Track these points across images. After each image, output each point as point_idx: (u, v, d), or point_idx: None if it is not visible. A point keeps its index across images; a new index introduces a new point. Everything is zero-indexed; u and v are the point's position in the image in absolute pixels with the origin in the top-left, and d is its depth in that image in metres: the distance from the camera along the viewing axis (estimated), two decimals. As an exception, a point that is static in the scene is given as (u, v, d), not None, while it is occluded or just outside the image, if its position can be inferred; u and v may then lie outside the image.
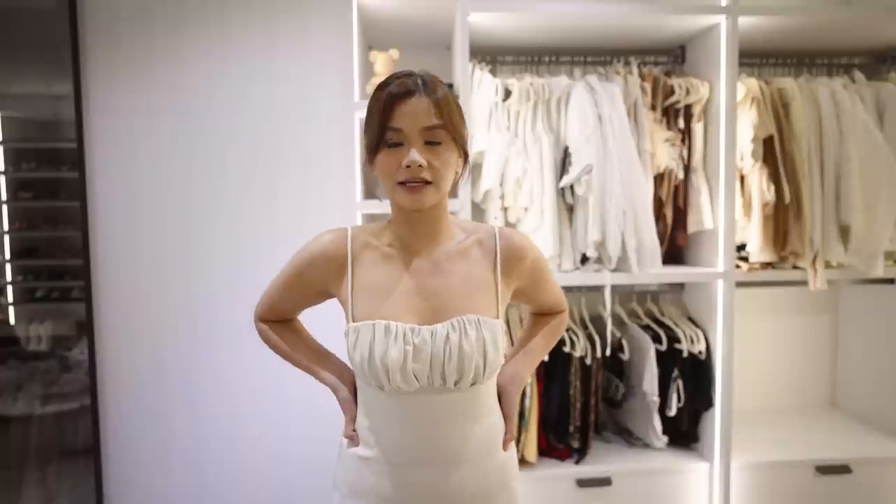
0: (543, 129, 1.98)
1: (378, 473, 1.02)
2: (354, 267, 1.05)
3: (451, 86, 1.97)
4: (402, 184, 0.96)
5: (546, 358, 1.96)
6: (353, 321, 1.02)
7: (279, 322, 1.17)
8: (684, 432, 2.09)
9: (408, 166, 0.94)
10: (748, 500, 2.06)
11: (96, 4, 2.09)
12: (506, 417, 1.11)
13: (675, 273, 2.06)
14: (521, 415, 1.95)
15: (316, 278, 1.08)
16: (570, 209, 2.00)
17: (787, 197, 2.00)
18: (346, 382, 1.12)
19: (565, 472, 1.97)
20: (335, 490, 1.09)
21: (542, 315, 1.23)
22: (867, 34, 2.15)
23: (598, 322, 2.10)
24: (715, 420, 2.01)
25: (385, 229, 1.09)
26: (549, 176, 1.95)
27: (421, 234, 1.05)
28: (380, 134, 0.96)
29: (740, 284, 2.03)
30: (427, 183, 0.96)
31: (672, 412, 2.03)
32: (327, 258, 1.06)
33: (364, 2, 1.87)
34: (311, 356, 1.15)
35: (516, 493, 1.10)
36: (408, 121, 0.95)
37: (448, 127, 0.97)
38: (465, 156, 1.05)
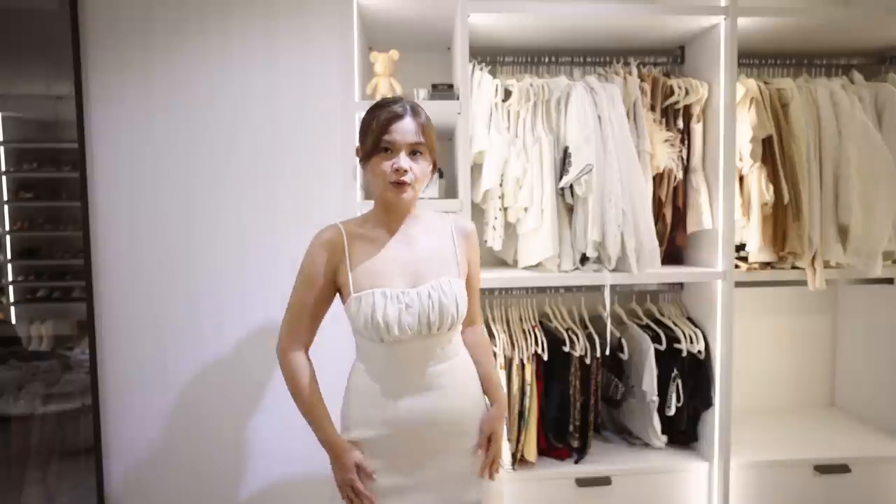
0: (543, 130, 1.98)
1: (380, 405, 1.31)
2: (350, 252, 1.32)
3: (450, 86, 1.97)
4: (392, 183, 1.28)
5: (545, 357, 1.97)
6: (354, 292, 1.28)
7: (302, 354, 1.35)
8: (683, 432, 2.09)
9: (396, 169, 1.26)
10: (747, 500, 2.06)
11: (97, 5, 2.10)
12: (489, 441, 1.40)
13: (675, 273, 2.06)
14: (521, 414, 1.96)
15: (326, 268, 1.32)
16: (570, 209, 2.00)
17: (786, 197, 2.01)
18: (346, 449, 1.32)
19: (565, 471, 1.98)
20: (342, 425, 1.35)
21: (471, 333, 1.49)
22: (866, 35, 2.16)
23: (598, 322, 2.10)
24: (714, 419, 2.02)
25: (367, 219, 1.38)
26: (548, 176, 1.95)
27: (398, 218, 1.36)
28: (376, 143, 1.27)
29: (739, 284, 2.03)
30: (406, 184, 1.28)
31: (671, 412, 2.04)
32: (331, 247, 1.32)
33: (364, 2, 1.87)
34: (324, 411, 1.34)
35: (482, 404, 1.43)
36: (398, 136, 1.27)
37: (427, 144, 1.31)
38: (435, 165, 1.37)
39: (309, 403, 1.31)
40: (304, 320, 1.33)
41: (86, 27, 2.10)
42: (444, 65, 2.23)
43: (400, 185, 1.27)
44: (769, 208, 2.02)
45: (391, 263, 1.31)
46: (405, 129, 1.27)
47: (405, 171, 1.26)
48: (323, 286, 1.32)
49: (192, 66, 2.15)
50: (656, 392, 2.01)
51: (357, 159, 1.37)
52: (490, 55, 2.18)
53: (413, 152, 1.28)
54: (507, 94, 2.01)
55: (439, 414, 1.31)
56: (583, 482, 1.97)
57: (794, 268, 2.07)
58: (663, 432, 2.08)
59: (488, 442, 1.39)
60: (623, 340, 2.11)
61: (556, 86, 2.01)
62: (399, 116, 1.27)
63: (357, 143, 1.36)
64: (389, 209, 1.34)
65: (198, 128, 2.16)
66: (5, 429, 2.25)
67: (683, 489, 2.03)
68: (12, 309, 2.26)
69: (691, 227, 2.11)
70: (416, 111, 1.30)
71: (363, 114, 1.82)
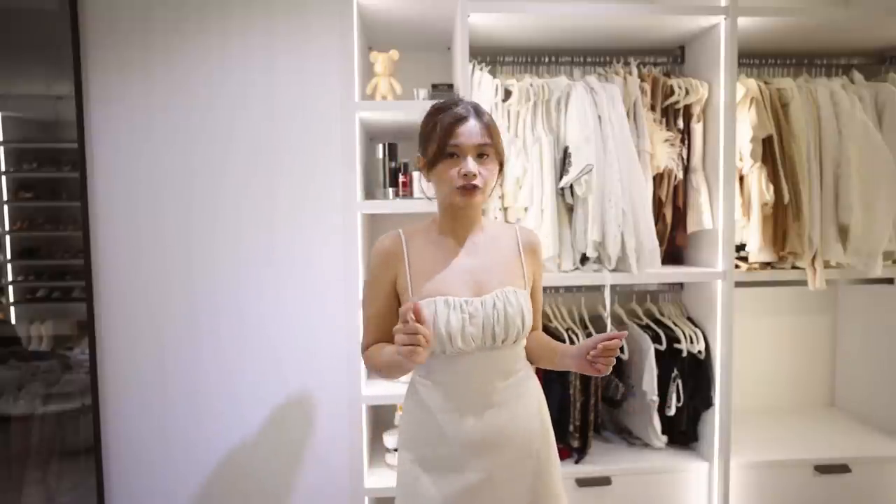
0: (543, 130, 1.98)
1: (442, 421, 1.26)
2: (410, 257, 1.29)
3: (451, 86, 1.97)
4: (459, 188, 1.22)
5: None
6: (415, 299, 1.23)
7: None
8: (684, 432, 2.09)
9: (465, 174, 1.20)
10: (747, 500, 2.06)
11: (97, 5, 2.10)
12: (588, 343, 1.24)
13: (675, 273, 2.06)
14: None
15: (388, 275, 1.30)
16: (570, 209, 2.00)
17: (787, 197, 2.01)
18: None
19: (565, 471, 1.96)
20: (400, 441, 1.34)
21: (530, 339, 1.44)
22: (866, 35, 2.16)
23: (598, 322, 2.10)
24: (714, 419, 2.02)
25: (431, 225, 1.34)
26: (548, 176, 1.95)
27: (464, 226, 1.31)
28: (441, 149, 1.22)
29: (739, 284, 2.03)
30: (476, 188, 1.22)
31: (671, 412, 2.04)
32: (390, 254, 1.30)
33: (364, 2, 1.87)
34: (384, 350, 1.29)
35: (548, 425, 1.36)
36: (464, 139, 1.21)
37: (494, 145, 1.25)
38: (501, 166, 1.30)
39: (378, 361, 1.27)
40: (376, 332, 1.32)
41: (86, 27, 2.10)
42: (444, 65, 2.23)
43: (468, 189, 1.22)
44: (769, 208, 2.02)
45: (454, 272, 1.27)
46: (471, 132, 1.21)
47: (474, 175, 1.21)
48: (387, 296, 1.31)
49: (192, 66, 2.15)
50: (656, 392, 2.01)
51: (419, 169, 1.30)
52: (490, 55, 2.18)
53: (480, 154, 1.23)
54: (507, 94, 2.01)
55: (505, 434, 1.25)
56: (583, 482, 1.97)
57: (794, 268, 2.07)
58: (663, 432, 2.08)
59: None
60: (623, 340, 2.10)
61: (556, 86, 2.01)
62: (463, 119, 1.22)
63: (418, 153, 1.30)
64: (456, 216, 1.29)
65: (197, 128, 2.16)
66: (5, 429, 2.25)
67: (683, 489, 2.03)
68: (12, 309, 2.26)
69: (691, 227, 2.11)
70: (479, 111, 1.25)
71: (364, 114, 1.83)
